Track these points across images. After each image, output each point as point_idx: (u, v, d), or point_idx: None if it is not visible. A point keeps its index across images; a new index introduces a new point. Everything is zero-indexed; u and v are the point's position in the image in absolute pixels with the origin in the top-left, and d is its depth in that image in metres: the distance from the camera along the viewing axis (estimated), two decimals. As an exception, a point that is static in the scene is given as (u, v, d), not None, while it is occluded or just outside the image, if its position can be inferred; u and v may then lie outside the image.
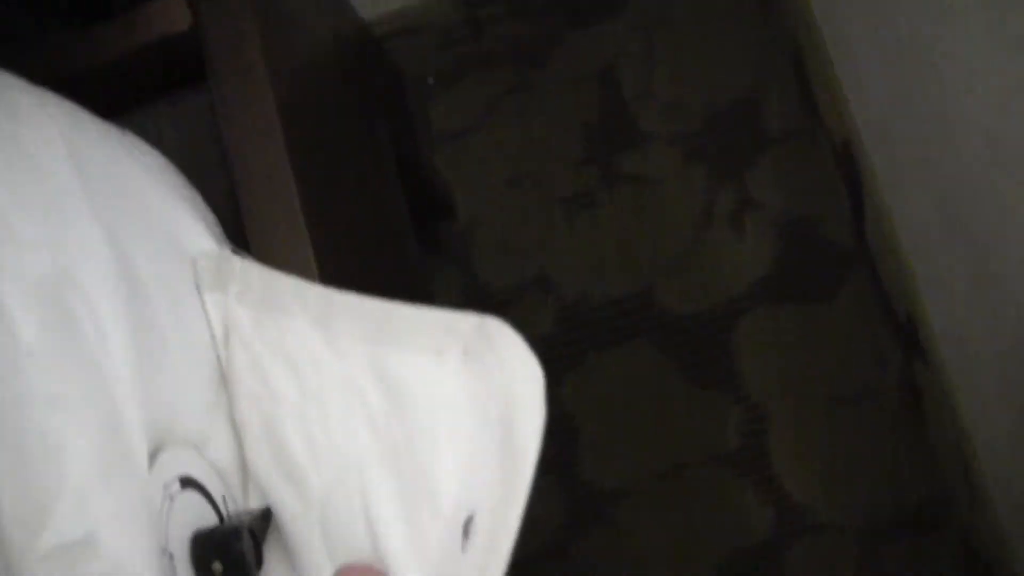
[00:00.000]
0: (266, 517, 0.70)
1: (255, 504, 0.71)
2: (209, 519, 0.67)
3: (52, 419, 0.53)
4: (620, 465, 1.59)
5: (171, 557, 0.61)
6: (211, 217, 0.81)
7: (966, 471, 1.39)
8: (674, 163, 1.63)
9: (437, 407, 0.69)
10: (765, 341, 1.57)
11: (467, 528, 0.67)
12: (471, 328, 0.71)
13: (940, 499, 1.48)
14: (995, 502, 1.34)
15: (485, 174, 1.68)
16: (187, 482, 0.65)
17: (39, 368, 0.53)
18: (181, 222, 0.75)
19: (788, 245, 1.58)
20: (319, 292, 0.74)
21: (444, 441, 0.69)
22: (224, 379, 0.72)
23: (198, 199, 0.81)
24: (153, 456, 0.63)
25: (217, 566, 0.63)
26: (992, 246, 1.08)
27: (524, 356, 0.69)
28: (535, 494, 1.51)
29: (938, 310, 1.35)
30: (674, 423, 1.58)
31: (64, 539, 0.52)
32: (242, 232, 0.84)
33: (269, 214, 0.84)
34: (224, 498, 0.69)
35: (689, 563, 1.55)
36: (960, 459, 1.40)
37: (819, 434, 1.54)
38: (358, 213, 1.10)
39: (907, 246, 1.38)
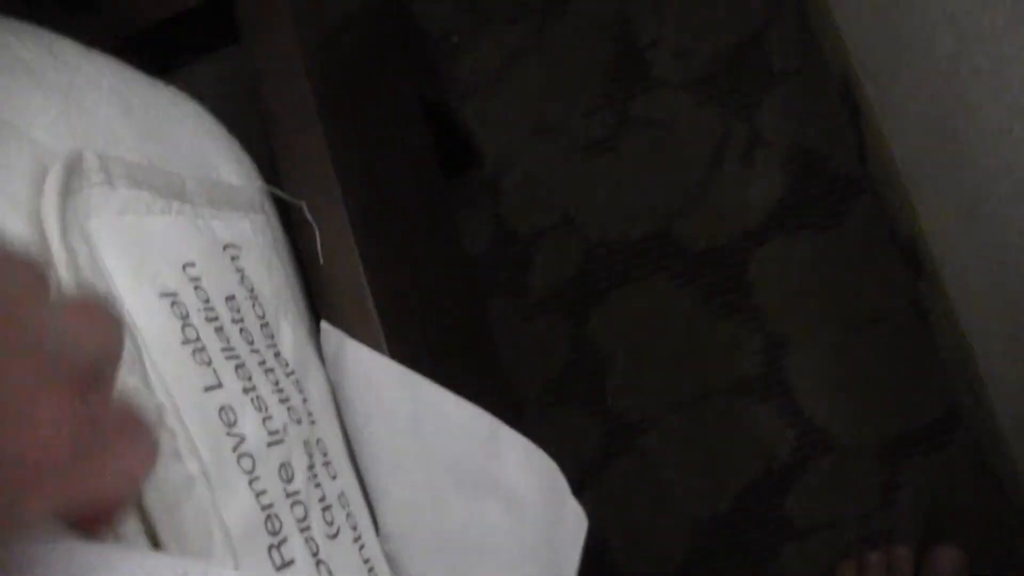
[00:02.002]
0: None
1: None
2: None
3: None
4: (646, 396, 1.66)
5: None
6: (246, 157, 0.89)
7: (971, 385, 1.43)
8: (686, 106, 1.70)
9: None
10: (779, 270, 1.64)
11: None
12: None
13: (950, 414, 1.54)
14: (997, 413, 1.38)
15: (509, 124, 1.75)
16: None
17: None
18: (218, 159, 0.84)
19: (797, 177, 1.64)
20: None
21: None
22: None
23: (233, 142, 0.89)
24: None
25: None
26: (976, 167, 1.13)
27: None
28: (568, 426, 1.60)
29: (934, 231, 1.39)
30: (696, 353, 1.65)
31: None
32: (277, 176, 0.92)
33: (298, 158, 0.92)
34: None
35: (715, 487, 1.62)
36: (965, 374, 1.44)
37: (835, 357, 1.60)
38: (385, 156, 1.16)
39: (904, 173, 1.43)
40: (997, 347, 1.31)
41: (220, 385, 0.66)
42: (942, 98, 1.16)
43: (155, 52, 1.01)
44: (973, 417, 1.48)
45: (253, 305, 0.76)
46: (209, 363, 0.66)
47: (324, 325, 0.85)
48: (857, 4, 1.38)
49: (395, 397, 0.85)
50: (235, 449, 0.65)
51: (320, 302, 0.88)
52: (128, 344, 0.61)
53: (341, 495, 0.77)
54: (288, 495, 0.68)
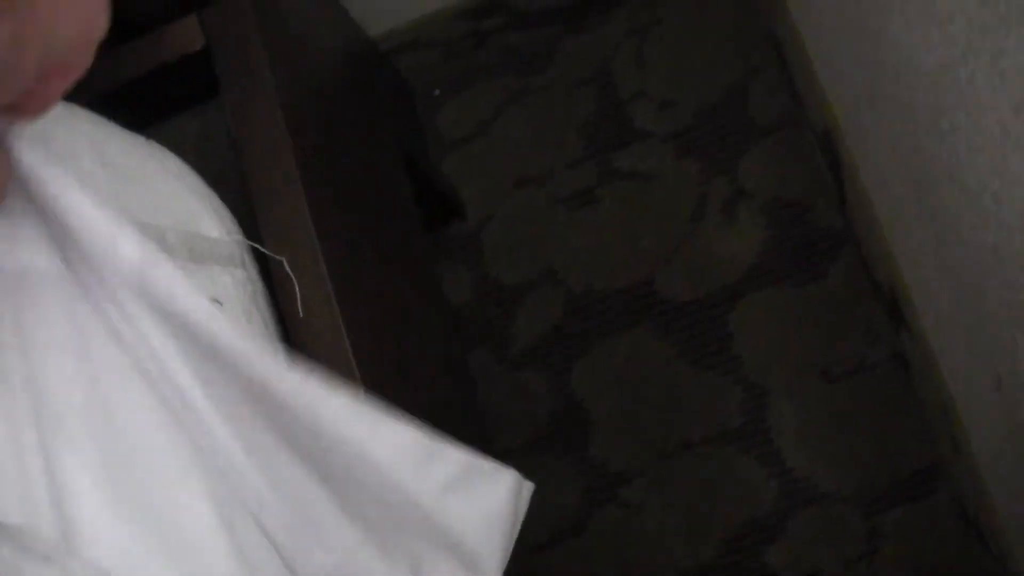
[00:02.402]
0: None
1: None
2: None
3: None
4: (630, 446, 1.66)
5: None
6: (225, 212, 0.89)
7: (953, 434, 1.43)
8: (669, 158, 1.70)
9: None
10: (762, 322, 1.64)
11: None
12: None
13: (932, 463, 1.54)
14: (979, 463, 1.38)
15: (492, 176, 1.76)
16: None
17: None
18: (199, 213, 0.84)
19: (779, 230, 1.65)
20: None
21: None
22: None
23: (214, 196, 0.89)
24: None
25: None
26: (957, 221, 1.14)
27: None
28: (552, 476, 1.59)
29: (914, 282, 1.40)
30: (679, 404, 1.65)
31: None
32: (256, 225, 0.92)
33: (278, 211, 0.92)
34: None
35: (699, 536, 1.61)
36: (947, 423, 1.44)
37: (817, 408, 1.60)
38: (365, 210, 1.16)
39: (885, 225, 1.43)
40: (978, 397, 1.32)
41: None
42: (922, 153, 1.17)
43: (137, 106, 1.01)
44: (955, 467, 1.48)
45: None
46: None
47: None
48: (837, 60, 1.39)
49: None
50: None
51: (299, 354, 0.88)
52: None
53: None
54: None
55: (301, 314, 0.88)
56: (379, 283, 1.11)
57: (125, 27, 1.01)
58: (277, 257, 0.88)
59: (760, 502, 1.60)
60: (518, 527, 0.87)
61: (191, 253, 0.77)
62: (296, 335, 0.89)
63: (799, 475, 1.59)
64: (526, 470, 1.60)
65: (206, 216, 0.85)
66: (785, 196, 1.66)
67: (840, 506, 1.57)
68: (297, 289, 0.88)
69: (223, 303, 0.78)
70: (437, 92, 1.78)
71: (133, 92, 1.00)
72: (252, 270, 0.88)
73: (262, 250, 0.89)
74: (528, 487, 0.90)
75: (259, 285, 0.89)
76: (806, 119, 1.63)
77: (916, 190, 1.26)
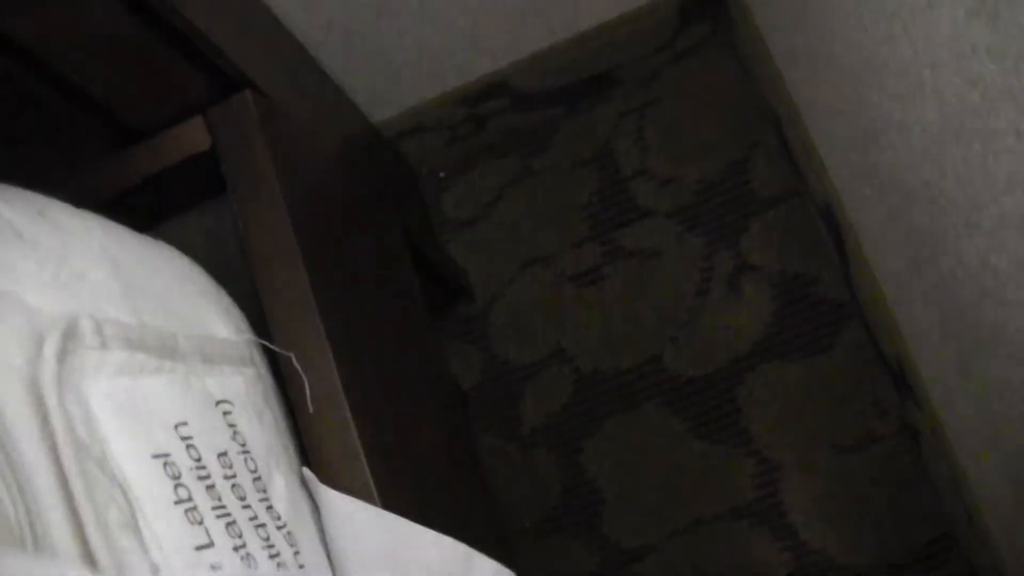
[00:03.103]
0: None
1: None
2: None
3: None
4: (642, 523, 1.66)
5: None
6: (235, 310, 0.90)
7: (964, 505, 1.43)
8: (673, 234, 1.72)
9: None
10: (770, 396, 1.65)
11: None
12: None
13: (945, 535, 1.54)
14: (992, 534, 1.38)
15: (497, 257, 1.77)
16: None
17: None
18: (208, 314, 0.85)
19: (785, 303, 1.66)
20: None
21: None
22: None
23: (223, 295, 0.90)
24: None
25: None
26: (959, 294, 1.15)
27: None
28: (565, 555, 1.60)
29: (920, 353, 1.41)
30: (690, 480, 1.65)
31: None
32: (265, 324, 0.94)
33: (285, 308, 0.93)
34: None
35: (714, 613, 1.62)
36: (959, 494, 1.44)
37: (828, 481, 1.60)
38: (371, 300, 1.18)
39: (889, 297, 1.44)
40: (988, 468, 1.32)
41: (211, 544, 0.66)
42: (921, 228, 1.18)
43: (143, 205, 1.03)
44: (968, 538, 1.48)
45: (245, 460, 0.76)
46: (201, 522, 0.67)
47: (305, 472, 0.86)
48: (835, 134, 1.41)
49: (374, 538, 0.85)
50: None
51: (310, 448, 0.89)
52: (123, 504, 0.62)
53: None
54: None
55: (311, 410, 0.89)
56: (387, 370, 1.12)
57: (129, 131, 1.02)
58: (286, 353, 0.89)
59: (774, 576, 1.60)
60: None
61: (202, 356, 0.78)
62: (307, 429, 0.90)
63: (813, 548, 1.59)
64: (539, 550, 1.62)
65: (216, 316, 0.86)
66: (790, 268, 1.67)
67: (855, 578, 1.57)
68: (307, 384, 0.89)
69: (235, 404, 0.79)
70: (442, 174, 1.80)
71: (140, 192, 1.02)
72: (262, 367, 0.90)
73: (271, 347, 0.90)
74: None
75: (269, 382, 0.90)
76: (807, 191, 1.64)
77: (915, 264, 1.27)
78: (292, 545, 0.77)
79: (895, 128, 1.12)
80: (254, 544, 0.71)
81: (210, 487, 0.70)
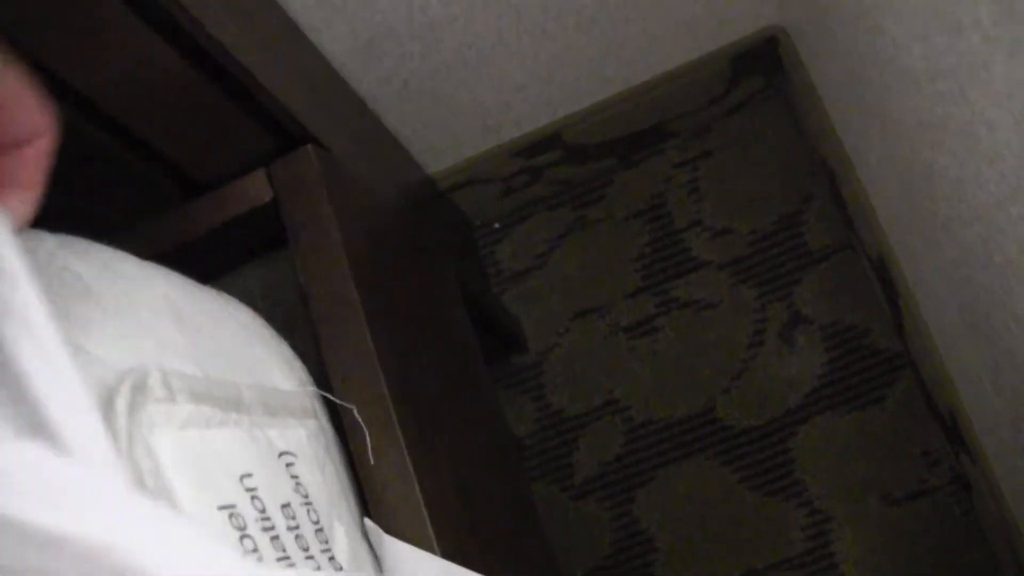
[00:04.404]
0: None
1: None
2: None
3: None
4: (694, 574, 1.66)
5: None
6: (297, 362, 0.92)
7: (1018, 560, 1.43)
8: (726, 286, 1.72)
9: None
10: (823, 447, 1.65)
11: None
12: None
13: (998, 589, 1.53)
14: None
15: (551, 308, 1.78)
16: None
17: None
18: (270, 365, 0.87)
19: (837, 355, 1.66)
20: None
21: None
22: None
23: (285, 346, 0.92)
24: None
25: None
26: (1012, 352, 1.15)
27: None
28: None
29: (973, 405, 1.41)
30: (742, 531, 1.65)
31: None
32: (326, 376, 0.95)
33: (347, 359, 0.95)
34: None
35: (768, 665, 1.61)
36: (1011, 549, 1.44)
37: (880, 533, 1.60)
38: (429, 350, 1.19)
39: (941, 348, 1.44)
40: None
41: None
42: (974, 282, 1.19)
43: (205, 258, 1.05)
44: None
45: (308, 511, 0.78)
46: None
47: (367, 523, 0.87)
48: (888, 188, 1.41)
49: None
50: None
51: (371, 499, 0.90)
52: None
53: None
54: None
55: (372, 462, 0.90)
56: (446, 423, 1.13)
57: (192, 184, 1.04)
58: (347, 406, 0.90)
59: (828, 629, 1.59)
60: None
61: (265, 408, 0.79)
62: (367, 481, 0.91)
63: (865, 600, 1.59)
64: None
65: (278, 368, 0.87)
66: (842, 321, 1.67)
67: (908, 632, 1.56)
68: (367, 436, 0.90)
69: (297, 456, 0.80)
70: (497, 225, 1.81)
71: (202, 245, 1.04)
72: (324, 418, 0.91)
73: (332, 399, 0.91)
74: None
75: (331, 433, 0.91)
76: (860, 244, 1.64)
77: (969, 318, 1.27)
78: None
79: (950, 184, 1.13)
80: None
81: (275, 538, 0.71)
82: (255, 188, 1.02)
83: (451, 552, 0.89)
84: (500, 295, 1.79)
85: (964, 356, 1.36)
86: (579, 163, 1.76)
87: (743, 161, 1.76)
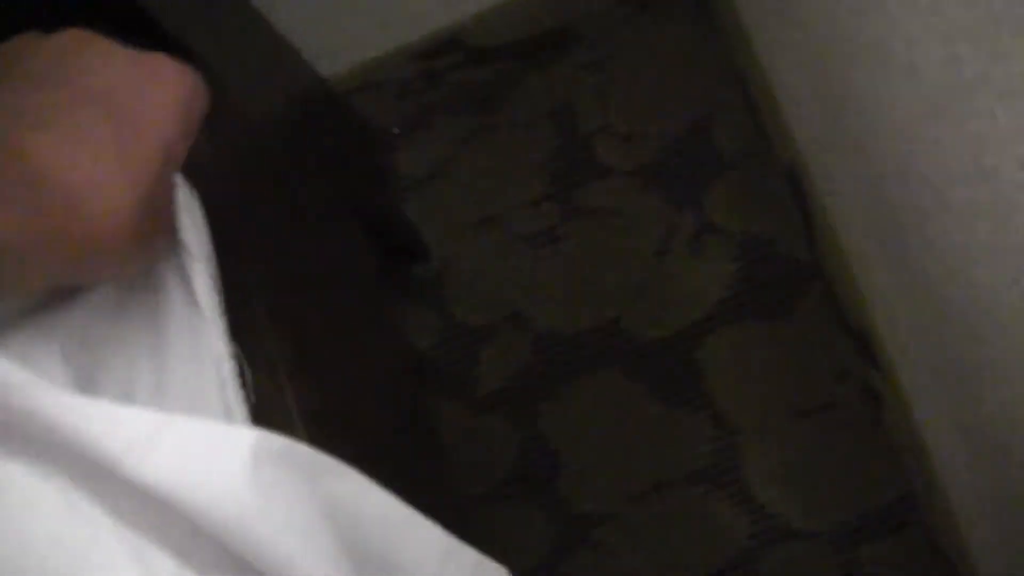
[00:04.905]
0: None
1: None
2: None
3: None
4: (600, 488, 1.63)
5: None
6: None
7: (923, 468, 1.43)
8: (633, 193, 1.68)
9: None
10: (731, 359, 1.62)
11: None
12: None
13: (904, 500, 1.52)
14: (950, 496, 1.37)
15: (453, 217, 1.74)
16: None
17: None
18: None
19: (747, 265, 1.63)
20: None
21: None
22: None
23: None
24: None
25: None
26: (926, 270, 1.13)
27: None
28: (521, 521, 1.58)
29: (883, 319, 1.39)
30: (649, 444, 1.63)
31: None
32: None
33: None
34: None
35: (674, 578, 1.60)
36: (918, 460, 1.44)
37: (788, 445, 1.58)
38: (310, 271, 1.14)
39: (853, 263, 1.43)
40: (948, 434, 1.31)
41: None
42: (887, 202, 1.16)
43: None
44: (926, 500, 1.47)
45: None
46: None
47: None
48: (801, 97, 1.38)
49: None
50: None
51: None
52: None
53: None
54: None
55: (253, 399, 0.85)
56: (330, 336, 1.08)
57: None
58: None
59: (733, 541, 1.58)
60: None
61: None
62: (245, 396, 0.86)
63: (771, 512, 1.58)
64: (494, 516, 1.59)
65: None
66: (752, 230, 1.64)
67: (814, 543, 1.55)
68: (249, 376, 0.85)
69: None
70: (396, 130, 1.75)
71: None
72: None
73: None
74: None
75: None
76: (772, 153, 1.61)
77: (881, 236, 1.25)
78: None
79: (866, 99, 1.10)
80: None
81: None
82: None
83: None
84: (401, 203, 1.74)
85: (875, 272, 1.35)
86: (480, 65, 1.71)
87: (653, 65, 1.71)
